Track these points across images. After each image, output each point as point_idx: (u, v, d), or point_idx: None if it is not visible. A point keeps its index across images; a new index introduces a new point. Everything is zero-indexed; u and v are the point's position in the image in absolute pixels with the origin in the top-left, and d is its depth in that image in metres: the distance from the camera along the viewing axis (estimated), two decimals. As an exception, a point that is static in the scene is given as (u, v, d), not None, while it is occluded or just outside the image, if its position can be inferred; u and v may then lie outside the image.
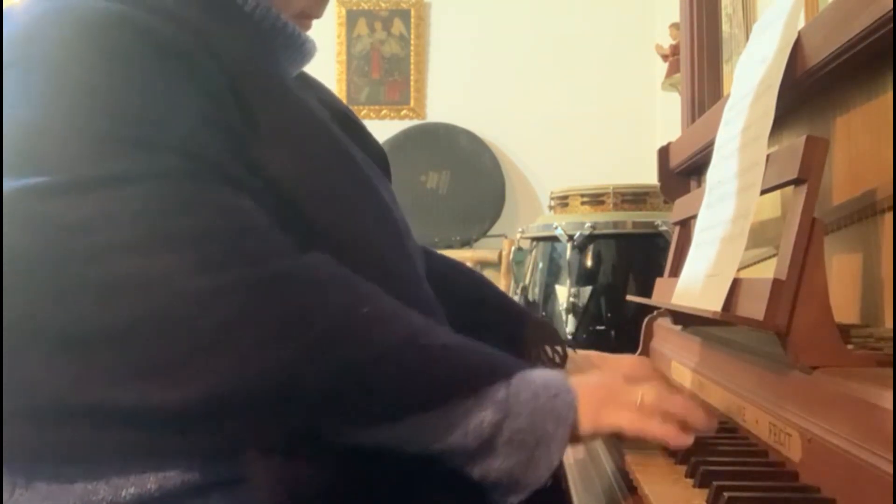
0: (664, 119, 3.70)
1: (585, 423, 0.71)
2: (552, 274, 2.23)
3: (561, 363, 1.04)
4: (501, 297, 1.14)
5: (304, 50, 0.88)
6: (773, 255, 1.00)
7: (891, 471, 0.50)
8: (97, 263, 0.61)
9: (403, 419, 0.66)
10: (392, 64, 4.14)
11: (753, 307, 0.70)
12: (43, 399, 0.63)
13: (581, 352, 1.10)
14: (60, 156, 0.64)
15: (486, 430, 0.67)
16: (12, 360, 0.62)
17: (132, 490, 0.65)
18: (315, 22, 0.91)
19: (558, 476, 0.74)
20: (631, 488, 0.74)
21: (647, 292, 1.25)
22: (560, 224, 2.18)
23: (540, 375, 0.71)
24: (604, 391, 0.74)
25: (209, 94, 0.70)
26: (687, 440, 0.72)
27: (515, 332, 1.04)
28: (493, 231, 3.88)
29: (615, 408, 0.72)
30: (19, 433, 0.64)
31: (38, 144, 0.64)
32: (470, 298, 1.06)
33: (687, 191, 1.40)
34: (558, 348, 1.05)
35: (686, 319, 1.13)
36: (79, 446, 0.64)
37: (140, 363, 0.61)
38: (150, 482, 0.65)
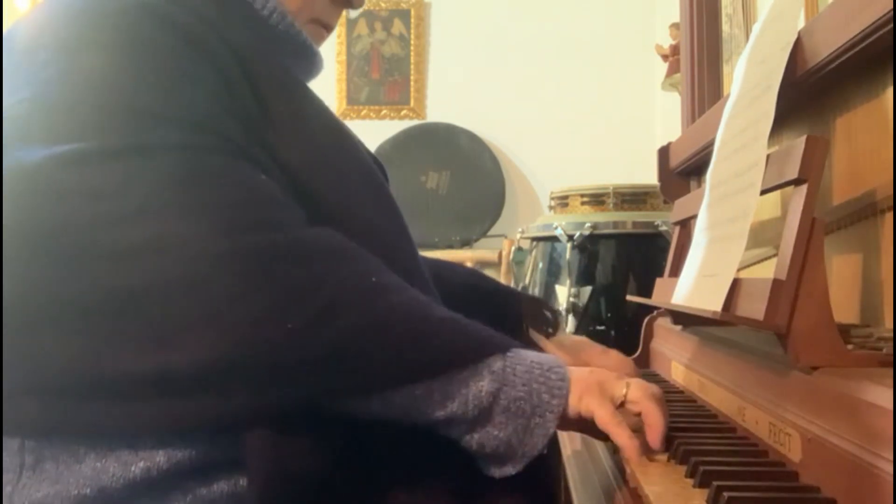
0: (664, 119, 3.70)
1: (572, 402, 0.73)
2: (552, 274, 2.23)
3: (553, 332, 1.08)
4: (493, 282, 1.17)
5: (313, 62, 0.91)
6: (773, 255, 1.00)
7: (891, 471, 0.50)
8: (115, 229, 0.63)
9: (406, 386, 0.68)
10: (392, 64, 4.14)
11: (753, 307, 0.70)
12: (54, 373, 0.64)
13: (576, 337, 1.13)
14: (88, 126, 0.66)
15: (484, 398, 0.70)
16: (24, 334, 0.64)
17: (141, 465, 0.66)
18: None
19: (551, 458, 0.76)
20: (626, 481, 0.75)
21: (647, 292, 1.25)
22: (560, 224, 2.18)
23: (534, 353, 0.75)
24: (593, 379, 0.76)
25: (225, 80, 0.73)
26: (642, 456, 0.73)
27: (509, 310, 1.07)
28: (493, 231, 3.88)
29: (598, 397, 0.74)
30: (30, 409, 0.65)
31: (68, 116, 0.67)
32: (462, 286, 1.08)
33: (687, 191, 1.40)
34: (551, 322, 1.09)
35: (686, 319, 1.13)
36: (89, 420, 0.65)
37: (154, 327, 0.62)
38: (160, 460, 0.66)
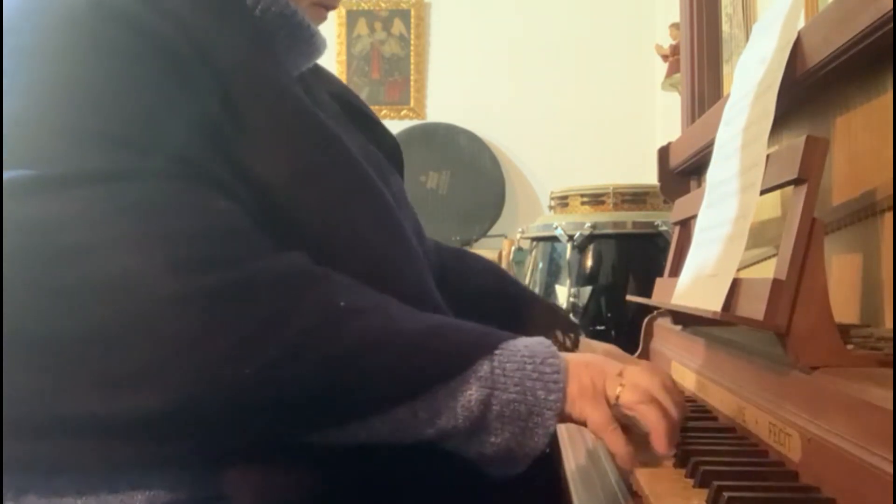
0: (664, 119, 3.70)
1: (566, 404, 0.69)
2: (552, 274, 2.23)
3: (572, 348, 1.01)
4: (513, 284, 1.11)
5: (312, 43, 0.85)
6: (773, 255, 1.00)
7: (891, 471, 0.50)
8: (67, 264, 0.59)
9: (389, 411, 0.65)
10: (392, 64, 4.14)
11: (753, 307, 0.70)
12: (26, 410, 0.60)
13: (602, 344, 1.05)
14: (37, 151, 0.62)
15: (475, 407, 0.66)
16: None
17: None
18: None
19: (552, 456, 0.72)
20: (633, 492, 0.74)
21: (647, 292, 1.25)
22: (560, 224, 2.18)
23: (525, 344, 0.70)
24: (587, 379, 0.71)
25: (195, 93, 0.68)
26: (634, 463, 0.70)
27: (526, 317, 1.02)
28: (493, 231, 3.89)
29: (590, 401, 0.70)
30: (8, 445, 0.62)
31: (16, 138, 0.63)
32: (481, 287, 1.03)
33: (687, 191, 1.40)
34: (570, 334, 1.01)
35: (686, 319, 1.13)
36: (64, 458, 0.62)
37: (110, 369, 0.59)
38: (139, 501, 0.64)
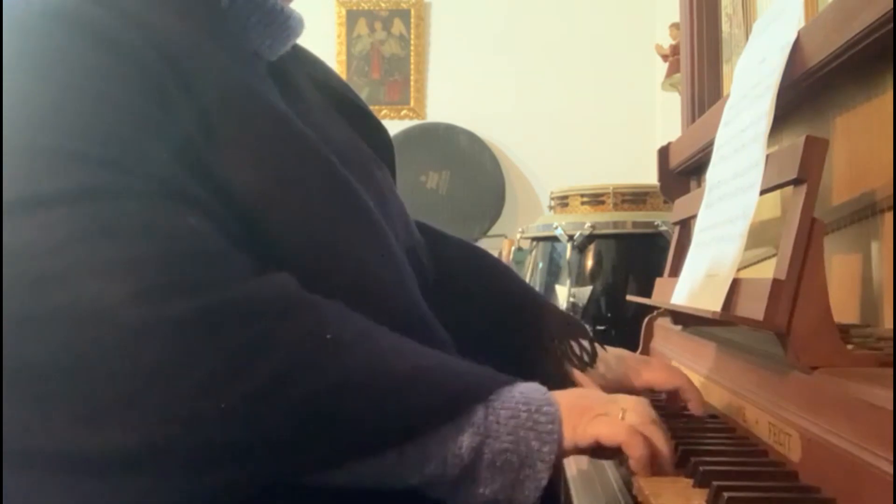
0: (664, 119, 3.70)
1: (567, 437, 0.67)
2: (552, 274, 2.23)
3: (590, 362, 0.96)
4: (526, 289, 1.07)
5: (287, 27, 0.80)
6: (773, 255, 1.00)
7: (891, 471, 0.50)
8: (27, 294, 0.55)
9: (375, 455, 0.61)
10: (392, 64, 4.14)
11: (753, 307, 0.70)
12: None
13: (613, 350, 1.00)
14: None
15: (465, 455, 0.63)
16: None
17: None
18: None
19: (556, 493, 0.71)
20: (633, 493, 0.74)
21: (647, 292, 1.25)
22: (560, 224, 2.18)
23: (520, 391, 0.67)
24: (584, 403, 0.70)
25: (164, 103, 0.63)
26: (653, 470, 0.68)
27: (540, 326, 0.96)
28: (493, 231, 3.88)
29: (593, 418, 0.68)
30: None
31: None
32: (492, 289, 0.99)
33: (687, 191, 1.40)
34: (586, 345, 0.96)
35: (686, 319, 1.13)
36: (34, 494, 0.58)
37: (77, 404, 0.55)
38: None
